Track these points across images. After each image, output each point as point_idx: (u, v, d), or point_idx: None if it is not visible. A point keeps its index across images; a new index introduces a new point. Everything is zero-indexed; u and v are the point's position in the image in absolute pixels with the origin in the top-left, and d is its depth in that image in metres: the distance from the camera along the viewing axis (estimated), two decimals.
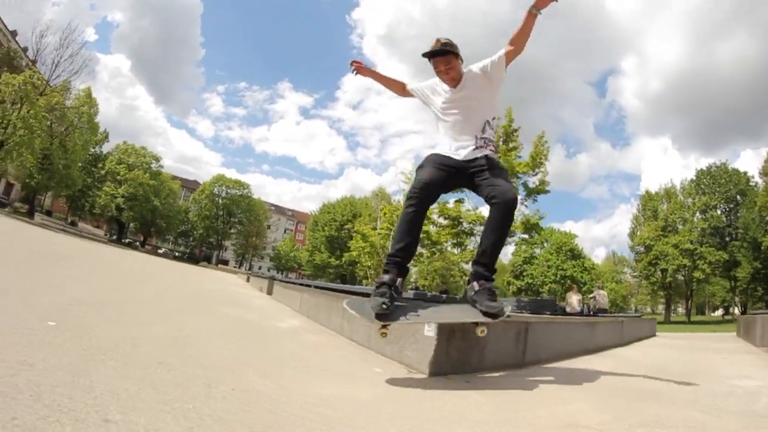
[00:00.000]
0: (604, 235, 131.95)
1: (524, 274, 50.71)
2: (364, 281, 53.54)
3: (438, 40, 2.68)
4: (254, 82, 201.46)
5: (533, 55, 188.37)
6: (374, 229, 30.47)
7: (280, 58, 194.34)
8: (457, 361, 2.70)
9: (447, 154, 2.67)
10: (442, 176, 2.62)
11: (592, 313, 14.95)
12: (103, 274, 7.47)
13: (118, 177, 49.56)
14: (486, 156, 2.62)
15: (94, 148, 44.46)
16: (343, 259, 50.00)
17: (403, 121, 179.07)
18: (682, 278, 42.73)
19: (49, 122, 31.96)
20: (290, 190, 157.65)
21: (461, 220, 23.98)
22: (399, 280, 2.50)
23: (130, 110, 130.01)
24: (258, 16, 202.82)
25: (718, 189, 43.09)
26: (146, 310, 3.90)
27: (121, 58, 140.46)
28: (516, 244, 30.10)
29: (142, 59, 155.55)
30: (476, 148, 2.64)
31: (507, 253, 47.83)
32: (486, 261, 2.56)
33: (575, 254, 47.81)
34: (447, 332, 2.60)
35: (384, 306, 2.31)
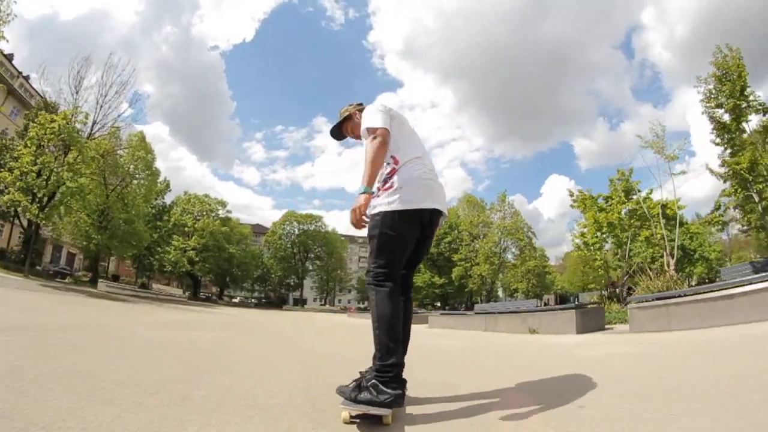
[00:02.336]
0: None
1: None
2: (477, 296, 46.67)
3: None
4: (290, 123, 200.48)
5: (556, 34, 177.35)
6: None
7: (310, 95, 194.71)
8: None
9: None
10: None
11: None
12: None
13: (186, 229, 43.88)
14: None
15: (156, 199, 38.87)
16: (453, 275, 42.13)
17: (442, 130, 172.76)
18: None
19: (102, 171, 26.13)
20: (343, 220, 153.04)
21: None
22: None
23: (178, 171, 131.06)
24: (279, 60, 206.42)
25: None
26: None
27: (158, 125, 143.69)
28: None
29: (178, 122, 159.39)
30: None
31: None
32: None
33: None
34: None
35: None
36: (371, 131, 2.02)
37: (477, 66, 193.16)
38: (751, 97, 13.21)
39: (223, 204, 49.90)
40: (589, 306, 10.40)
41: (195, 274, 45.29)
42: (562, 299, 48.83)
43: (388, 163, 2.09)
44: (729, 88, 13.29)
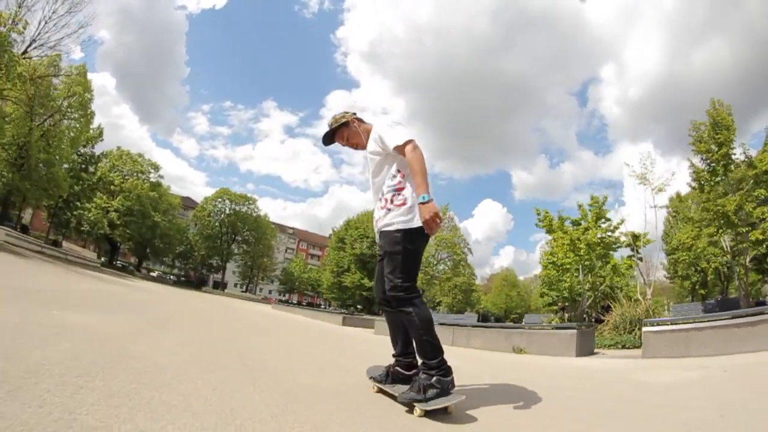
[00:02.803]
0: None
1: None
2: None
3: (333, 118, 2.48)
4: (239, 101, 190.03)
5: (517, 69, 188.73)
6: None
7: (265, 77, 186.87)
8: None
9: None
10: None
11: None
12: None
13: (112, 187, 38.72)
14: (379, 231, 2.26)
15: (85, 146, 33.82)
16: None
17: None
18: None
19: (30, 100, 21.91)
20: (275, 208, 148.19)
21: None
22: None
23: (116, 129, 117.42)
24: (243, 35, 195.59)
25: None
26: None
27: (106, 76, 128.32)
28: None
29: (127, 77, 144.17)
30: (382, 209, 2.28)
31: None
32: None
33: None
34: None
35: None
36: (409, 143, 2.13)
37: (435, 82, 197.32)
38: (738, 150, 14.28)
39: (156, 167, 44.86)
40: (584, 328, 9.91)
41: (114, 239, 39.98)
42: (484, 318, 50.46)
43: (394, 176, 2.21)
44: (724, 136, 14.15)
